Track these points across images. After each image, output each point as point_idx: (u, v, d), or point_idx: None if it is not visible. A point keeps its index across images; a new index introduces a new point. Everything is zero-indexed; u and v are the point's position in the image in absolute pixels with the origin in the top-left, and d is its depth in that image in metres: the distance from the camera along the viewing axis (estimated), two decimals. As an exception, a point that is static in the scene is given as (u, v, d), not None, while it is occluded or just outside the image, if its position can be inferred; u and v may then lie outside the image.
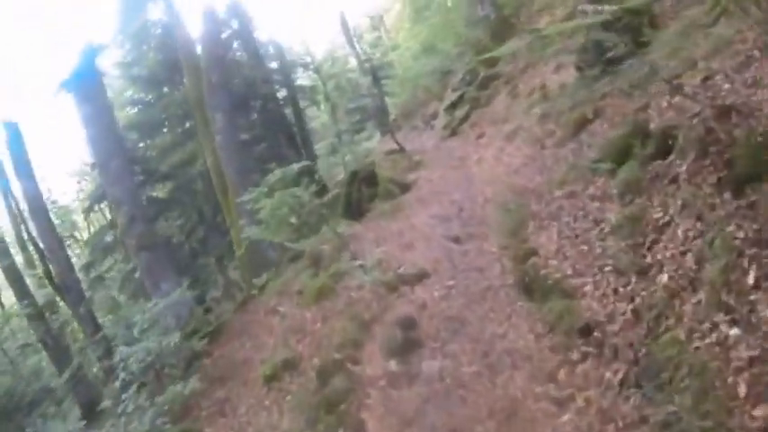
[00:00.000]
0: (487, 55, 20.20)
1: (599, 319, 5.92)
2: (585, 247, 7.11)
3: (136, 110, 24.16)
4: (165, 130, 23.64)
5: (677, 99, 8.55)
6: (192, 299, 14.85)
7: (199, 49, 18.50)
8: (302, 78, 32.59)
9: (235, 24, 25.93)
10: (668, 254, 5.93)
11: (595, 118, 11.20)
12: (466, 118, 18.83)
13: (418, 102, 28.35)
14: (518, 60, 19.07)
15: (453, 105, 20.65)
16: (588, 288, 6.46)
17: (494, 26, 21.63)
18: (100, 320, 16.99)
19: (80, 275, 19.21)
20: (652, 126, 8.23)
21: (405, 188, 14.91)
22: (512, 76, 18.37)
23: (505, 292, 7.88)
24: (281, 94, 27.70)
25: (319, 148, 30.62)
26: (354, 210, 17.10)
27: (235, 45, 26.20)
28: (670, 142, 7.47)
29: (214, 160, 17.18)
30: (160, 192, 22.78)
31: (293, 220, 9.94)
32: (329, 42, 37.91)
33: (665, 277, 5.72)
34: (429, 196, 13.46)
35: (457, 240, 10.32)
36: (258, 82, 25.84)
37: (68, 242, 28.12)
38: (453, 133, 18.95)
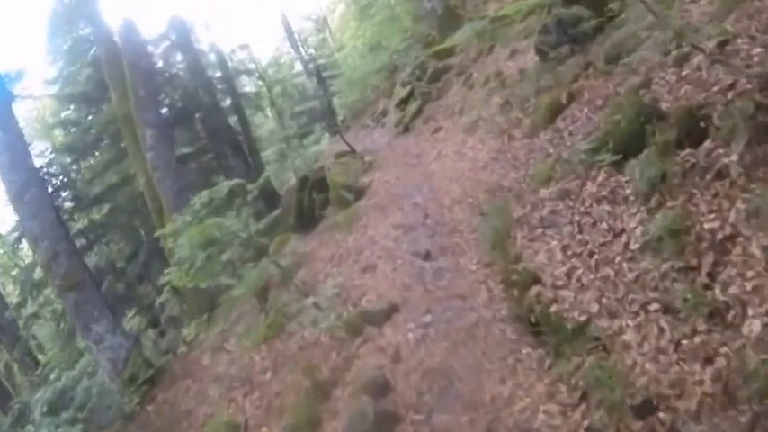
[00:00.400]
0: (438, 48, 18.17)
1: (663, 391, 3.77)
2: (610, 271, 4.98)
3: (70, 131, 21.31)
4: (98, 151, 20.88)
5: (688, 72, 6.52)
6: (132, 337, 12.34)
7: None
8: (247, 86, 30.08)
9: (173, 36, 23.33)
10: (749, 285, 3.83)
11: (571, 102, 9.15)
12: (418, 113, 16.68)
13: (367, 101, 26.09)
14: (469, 50, 16.98)
15: (404, 101, 18.49)
16: (630, 337, 4.33)
17: (441, 19, 19.53)
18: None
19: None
20: (665, 106, 6.15)
21: (359, 193, 12.68)
22: (464, 67, 16.27)
23: (500, 330, 5.73)
24: (226, 103, 25.14)
25: (268, 155, 28.17)
26: (307, 219, 14.91)
27: (179, 58, 23.71)
28: (703, 124, 5.39)
29: (147, 180, 14.67)
30: (97, 215, 20.00)
31: (225, 256, 7.46)
32: (275, 48, 35.37)
33: (755, 325, 3.62)
34: (387, 201, 11.26)
35: (427, 256, 8.14)
36: (200, 92, 23.37)
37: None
38: (406, 129, 16.79)
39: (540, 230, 6.46)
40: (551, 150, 8.40)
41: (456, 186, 10.20)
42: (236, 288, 7.66)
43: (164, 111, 22.75)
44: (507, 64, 13.69)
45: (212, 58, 25.88)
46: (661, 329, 4.20)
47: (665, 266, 4.54)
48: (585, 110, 8.50)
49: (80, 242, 17.25)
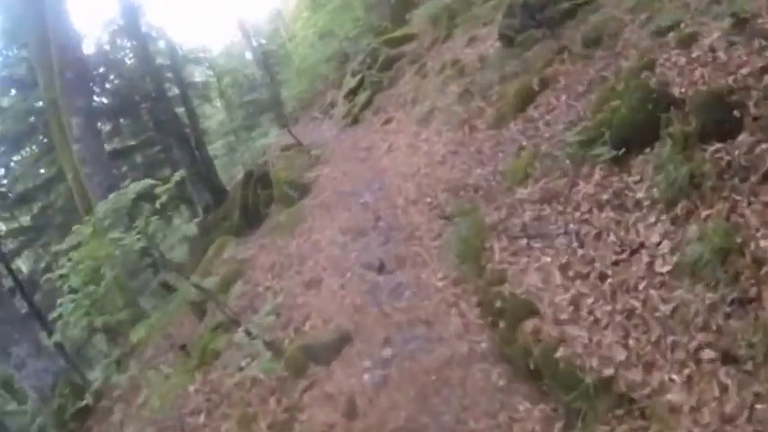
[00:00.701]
0: (390, 35, 16.76)
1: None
2: (634, 302, 3.61)
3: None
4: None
5: (699, 53, 5.22)
6: (61, 357, 10.38)
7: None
8: (196, 75, 27.99)
9: (121, 20, 21.16)
10: None
11: (544, 88, 7.84)
12: (368, 103, 15.17)
13: (316, 91, 24.39)
14: (424, 38, 15.53)
15: (353, 91, 16.93)
16: (679, 398, 2.96)
17: (394, 7, 18.03)
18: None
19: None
20: (677, 91, 4.81)
21: (304, 190, 11.14)
22: (417, 55, 14.82)
23: (482, 372, 4.33)
24: (173, 92, 23.00)
25: (216, 147, 26.22)
26: (252, 216, 13.37)
27: (126, 43, 21.59)
28: (737, 113, 4.07)
29: (75, 175, 12.73)
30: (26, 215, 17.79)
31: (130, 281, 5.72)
32: (228, 38, 33.05)
33: None
34: (334, 200, 9.76)
35: (381, 269, 6.69)
36: (147, 80, 21.32)
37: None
38: (355, 121, 15.25)
39: (525, 241, 5.07)
40: (524, 142, 7.06)
41: (411, 184, 8.77)
42: (138, 328, 5.69)
43: (106, 99, 20.85)
44: (465, 51, 12.29)
45: (161, 45, 23.67)
46: (723, 387, 2.84)
47: (714, 297, 3.20)
48: (563, 97, 7.21)
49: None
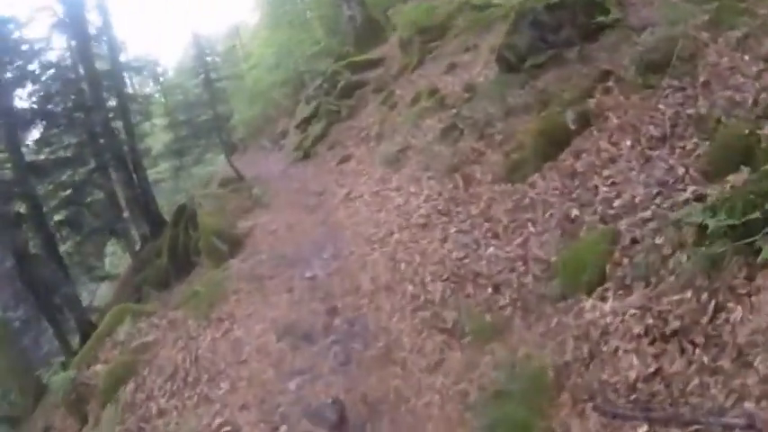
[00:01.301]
0: (353, 58, 13.80)
1: None
2: None
3: None
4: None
5: None
6: None
7: None
8: (140, 87, 24.29)
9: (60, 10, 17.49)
10: None
11: (584, 128, 4.92)
12: (323, 135, 12.11)
13: (268, 118, 21.10)
14: (390, 63, 12.60)
15: (307, 120, 13.86)
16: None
17: (359, 29, 15.07)
18: None
19: None
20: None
21: (235, 245, 7.97)
22: (383, 83, 11.85)
23: None
24: (110, 103, 19.11)
25: (160, 171, 22.56)
26: (181, 262, 10.41)
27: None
28: None
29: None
30: None
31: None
32: (182, 52, 29.19)
33: None
34: (271, 267, 6.64)
35: (340, 427, 3.48)
36: (85, 85, 17.71)
37: None
38: (306, 155, 12.17)
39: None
40: (575, 211, 4.10)
41: (380, 256, 5.69)
42: None
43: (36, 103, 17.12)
44: (445, 79, 9.40)
45: (103, 47, 19.78)
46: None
47: None
48: (627, 141, 4.37)
49: None
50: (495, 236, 4.70)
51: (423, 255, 5.16)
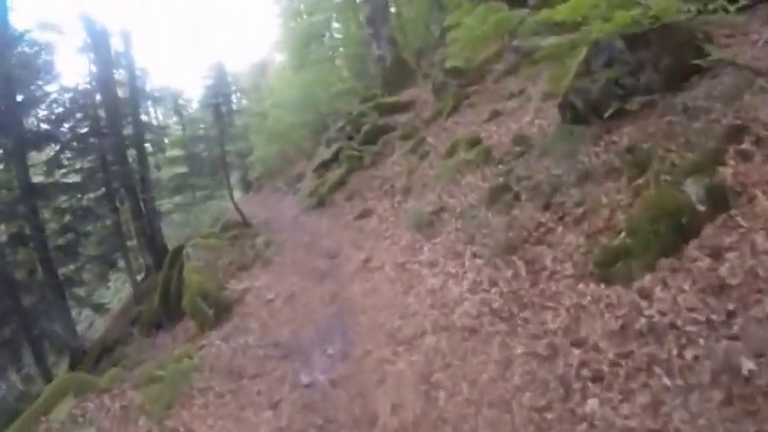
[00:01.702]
0: (381, 100, 12.17)
1: None
2: None
3: None
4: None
5: None
6: None
7: None
8: (159, 118, 22.91)
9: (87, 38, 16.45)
10: None
11: (723, 207, 3.00)
12: (341, 183, 10.35)
13: (287, 159, 19.48)
14: (421, 108, 10.89)
15: (325, 164, 12.13)
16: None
17: (388, 70, 13.46)
18: None
19: None
20: None
21: (222, 310, 6.17)
22: (413, 129, 10.10)
23: None
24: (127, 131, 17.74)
25: (172, 203, 20.92)
26: (172, 307, 8.90)
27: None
28: None
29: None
30: None
31: None
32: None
33: None
34: (256, 361, 4.76)
35: None
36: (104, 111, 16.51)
37: None
38: (321, 203, 10.39)
39: None
40: (748, 363, 2.15)
41: (408, 368, 3.79)
42: None
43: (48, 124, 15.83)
44: (487, 128, 7.63)
45: (122, 72, 18.55)
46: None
47: None
48: None
49: None
50: (598, 378, 2.79)
51: (473, 385, 3.24)
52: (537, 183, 5.17)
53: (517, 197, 5.32)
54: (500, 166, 6.34)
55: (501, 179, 5.92)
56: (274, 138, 19.32)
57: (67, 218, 14.67)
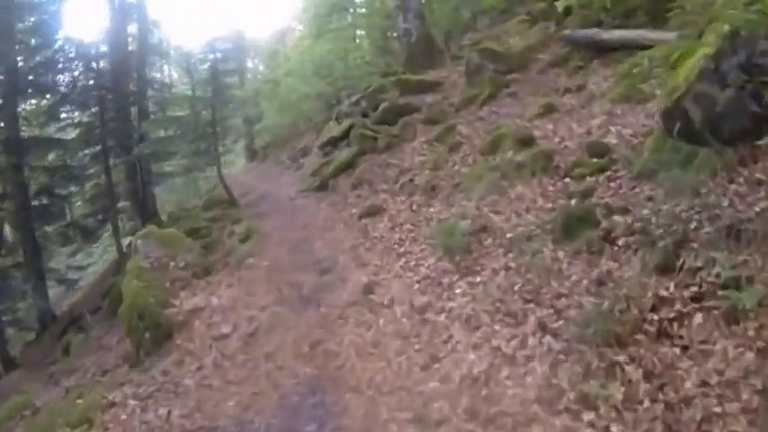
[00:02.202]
0: (405, 76, 10.04)
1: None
2: None
3: None
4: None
5: None
6: None
7: None
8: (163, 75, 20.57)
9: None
10: None
11: None
12: (348, 165, 8.24)
13: (295, 131, 17.22)
14: (451, 91, 8.74)
15: (333, 142, 10.00)
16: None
17: (413, 46, 11.18)
18: None
19: None
20: None
21: (161, 337, 4.04)
22: (440, 112, 7.94)
23: None
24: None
25: (174, 165, 18.63)
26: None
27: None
28: None
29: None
30: None
31: None
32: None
33: None
34: None
35: None
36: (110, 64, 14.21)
37: None
38: (322, 186, 8.32)
39: None
40: None
41: None
42: None
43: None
44: (543, 126, 5.56)
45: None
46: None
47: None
48: None
49: None
50: None
51: None
52: (643, 223, 3.12)
53: (609, 238, 3.27)
54: (569, 181, 4.27)
55: (575, 201, 3.86)
56: (285, 108, 17.06)
57: (47, 178, 12.54)
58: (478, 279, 3.55)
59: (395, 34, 12.96)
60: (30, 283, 11.25)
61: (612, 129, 4.86)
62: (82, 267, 14.42)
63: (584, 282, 3.10)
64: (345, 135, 9.65)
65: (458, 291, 3.52)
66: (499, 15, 13.62)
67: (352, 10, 18.40)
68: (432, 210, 5.01)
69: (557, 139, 5.15)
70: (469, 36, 12.68)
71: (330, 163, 8.88)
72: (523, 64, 8.24)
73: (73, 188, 13.92)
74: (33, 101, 15.01)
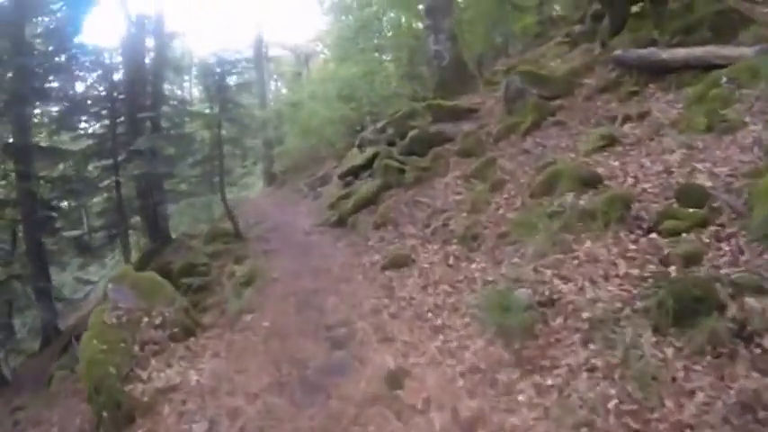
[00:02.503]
0: (437, 101, 9.15)
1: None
2: None
3: None
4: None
5: None
6: None
7: None
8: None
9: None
10: None
11: None
12: (371, 201, 7.27)
13: (316, 157, 16.38)
14: (487, 119, 7.78)
15: (355, 171, 9.11)
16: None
17: (445, 70, 10.26)
18: None
19: None
20: None
21: (121, 420, 2.98)
22: (477, 143, 6.95)
23: None
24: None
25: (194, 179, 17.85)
26: None
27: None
28: None
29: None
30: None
31: None
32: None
33: None
34: None
35: None
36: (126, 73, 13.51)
37: None
38: (341, 222, 7.39)
39: None
40: None
41: None
42: None
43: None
44: (605, 162, 4.54)
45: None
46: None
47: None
48: None
49: None
50: None
51: None
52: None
53: (745, 334, 2.24)
54: (656, 238, 3.25)
55: (675, 269, 2.83)
56: (306, 131, 16.26)
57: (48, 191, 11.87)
58: (550, 381, 2.52)
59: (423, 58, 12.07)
60: (34, 295, 10.59)
61: (699, 166, 3.87)
62: (90, 282, 13.65)
63: (719, 405, 2.07)
64: (368, 165, 8.74)
65: (521, 398, 2.50)
66: (532, 40, 12.78)
67: (378, 33, 17.69)
68: (474, 266, 4.00)
69: (629, 180, 4.14)
70: (502, 61, 11.80)
71: (350, 196, 7.94)
72: (568, 89, 7.27)
73: (73, 202, 13.20)
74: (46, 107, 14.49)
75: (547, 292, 3.20)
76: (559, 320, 2.98)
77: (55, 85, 13.11)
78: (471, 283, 3.74)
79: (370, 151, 8.98)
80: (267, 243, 7.09)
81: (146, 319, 3.87)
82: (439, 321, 3.45)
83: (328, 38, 20.09)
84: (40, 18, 12.21)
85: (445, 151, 7.21)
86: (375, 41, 17.03)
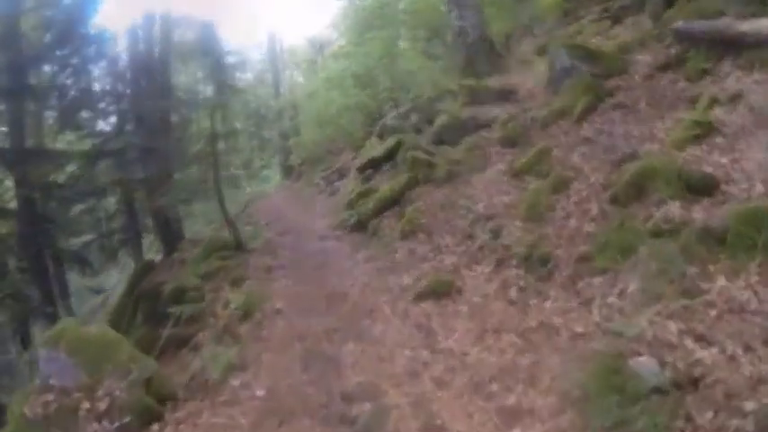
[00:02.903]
0: (468, 81, 7.95)
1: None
2: None
3: None
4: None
5: None
6: None
7: None
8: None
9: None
10: None
11: None
12: (395, 201, 6.11)
13: (332, 148, 15.20)
14: (527, 101, 6.54)
15: (375, 164, 7.92)
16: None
17: (471, 48, 8.95)
18: None
19: None
20: None
21: None
22: (520, 130, 5.73)
23: None
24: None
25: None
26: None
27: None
28: None
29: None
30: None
31: None
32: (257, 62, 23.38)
33: None
34: None
35: None
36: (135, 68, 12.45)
37: None
38: (360, 226, 6.27)
39: None
40: None
41: None
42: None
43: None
44: (709, 158, 3.32)
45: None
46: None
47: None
48: None
49: None
50: None
51: None
52: None
53: None
54: None
55: None
56: (323, 122, 15.07)
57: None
58: None
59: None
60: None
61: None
62: (99, 291, 12.80)
63: None
64: (390, 155, 7.57)
65: None
66: (560, 18, 11.45)
67: (394, 11, 16.35)
68: (549, 304, 2.85)
69: (758, 186, 2.94)
70: (529, 41, 10.48)
71: (370, 193, 6.79)
72: (622, 67, 5.99)
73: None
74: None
75: (680, 364, 2.05)
76: (709, 415, 1.84)
77: (56, 80, 12.18)
78: (551, 334, 2.60)
79: (391, 140, 7.79)
80: (273, 255, 5.99)
81: (86, 406, 2.71)
82: (511, 400, 2.32)
83: (343, 23, 18.84)
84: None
85: (482, 140, 6.00)
86: (394, 21, 15.75)
